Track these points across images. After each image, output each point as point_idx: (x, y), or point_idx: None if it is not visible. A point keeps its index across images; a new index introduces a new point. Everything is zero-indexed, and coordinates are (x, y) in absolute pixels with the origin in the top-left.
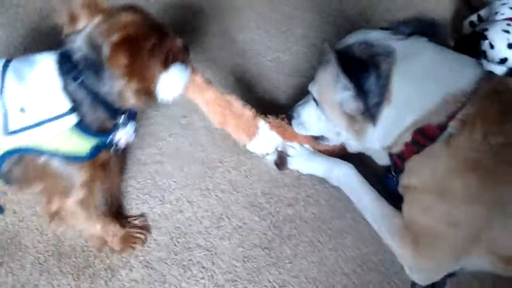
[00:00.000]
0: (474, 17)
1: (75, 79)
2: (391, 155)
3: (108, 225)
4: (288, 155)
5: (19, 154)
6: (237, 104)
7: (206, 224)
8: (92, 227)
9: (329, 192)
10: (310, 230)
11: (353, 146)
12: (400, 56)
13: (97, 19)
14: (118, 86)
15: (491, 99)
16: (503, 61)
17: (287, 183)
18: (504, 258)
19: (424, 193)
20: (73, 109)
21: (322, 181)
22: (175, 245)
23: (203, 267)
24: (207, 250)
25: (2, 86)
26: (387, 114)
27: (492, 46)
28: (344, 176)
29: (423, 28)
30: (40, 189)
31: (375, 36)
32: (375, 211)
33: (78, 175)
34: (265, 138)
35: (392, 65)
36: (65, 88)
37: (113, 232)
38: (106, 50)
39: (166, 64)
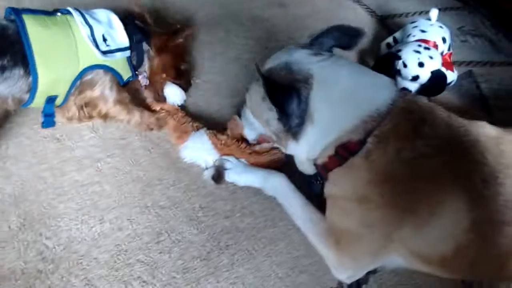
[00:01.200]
0: (390, 39)
1: (138, 37)
2: (316, 165)
3: (143, 113)
4: (225, 169)
5: (98, 68)
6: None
7: (145, 240)
8: (133, 117)
9: (263, 203)
10: (246, 239)
11: (283, 150)
12: (318, 81)
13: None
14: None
15: (403, 117)
16: (415, 78)
17: (224, 197)
18: (417, 255)
19: (344, 200)
20: (128, 47)
21: (256, 193)
22: (115, 262)
23: (144, 281)
24: (147, 264)
25: (89, 24)
26: (310, 132)
27: (405, 65)
28: (278, 185)
29: (343, 37)
30: (89, 98)
31: (297, 58)
32: (304, 217)
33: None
34: (194, 144)
35: (310, 90)
36: (128, 34)
37: (149, 116)
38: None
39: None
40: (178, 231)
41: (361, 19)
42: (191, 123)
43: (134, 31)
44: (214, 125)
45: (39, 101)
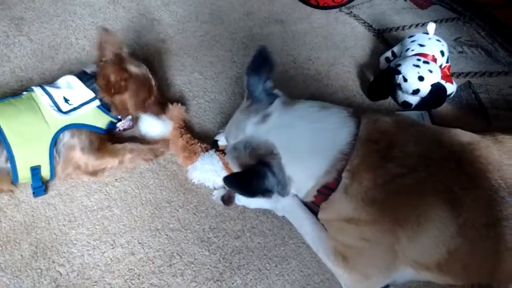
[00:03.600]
0: (388, 53)
1: (90, 81)
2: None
3: (133, 149)
4: (235, 192)
5: (69, 129)
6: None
7: (158, 263)
8: (124, 157)
9: (272, 222)
10: (257, 259)
11: None
12: (281, 147)
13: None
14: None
15: (368, 149)
16: (415, 92)
17: (233, 217)
18: (422, 264)
19: (336, 221)
20: (95, 97)
21: (265, 211)
22: (129, 287)
23: None
24: None
25: (48, 93)
26: (293, 187)
27: (405, 80)
28: (288, 205)
29: (260, 69)
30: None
31: (251, 133)
32: (314, 235)
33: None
34: (203, 165)
35: (280, 159)
36: (88, 87)
37: (141, 149)
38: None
39: (143, 110)
40: (190, 253)
41: (358, 34)
42: (199, 144)
43: (86, 79)
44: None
45: (24, 173)
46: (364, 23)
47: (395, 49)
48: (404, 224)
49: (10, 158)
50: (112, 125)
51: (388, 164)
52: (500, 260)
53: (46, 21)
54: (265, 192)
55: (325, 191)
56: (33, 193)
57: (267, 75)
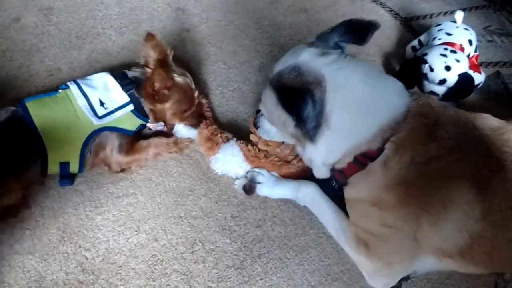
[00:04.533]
0: (415, 42)
1: (128, 87)
2: (332, 170)
3: (157, 143)
4: (256, 182)
5: (100, 131)
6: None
7: (180, 250)
8: (148, 153)
9: (293, 211)
10: (278, 248)
11: (300, 153)
12: (332, 84)
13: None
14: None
15: (418, 122)
16: (442, 82)
17: (254, 206)
18: (443, 251)
19: (361, 203)
20: (130, 101)
21: (286, 201)
22: (153, 272)
23: None
24: (184, 274)
25: (85, 94)
26: (327, 137)
27: (432, 69)
28: (309, 195)
29: (352, 32)
30: (102, 159)
31: (306, 59)
32: (335, 224)
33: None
34: (225, 155)
35: (324, 93)
36: (124, 90)
37: (165, 142)
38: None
39: (180, 119)
40: (212, 240)
41: (385, 22)
42: (220, 134)
43: (125, 83)
44: (243, 134)
45: (53, 168)
46: (391, 11)
47: (422, 38)
48: (429, 208)
49: (42, 150)
50: (142, 127)
51: (430, 144)
52: None
53: (74, 11)
54: (299, 115)
55: (362, 160)
56: (59, 181)
57: (350, 40)
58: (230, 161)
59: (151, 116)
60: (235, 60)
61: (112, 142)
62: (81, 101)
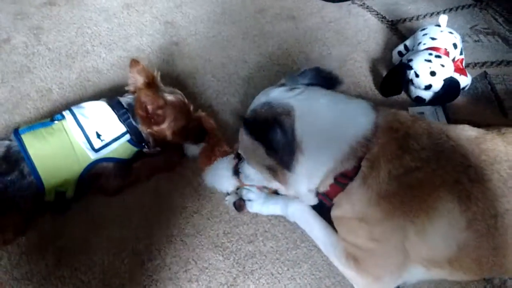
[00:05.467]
0: (401, 47)
1: (125, 116)
2: (317, 194)
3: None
4: (247, 199)
5: (96, 163)
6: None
7: (174, 270)
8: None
9: (284, 225)
10: (270, 263)
11: (285, 191)
12: (299, 112)
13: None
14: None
15: (389, 137)
16: (428, 87)
17: (246, 221)
18: (432, 261)
19: (348, 220)
20: (126, 132)
21: (277, 215)
22: None
23: None
24: None
25: (82, 127)
26: (303, 163)
27: (417, 75)
28: (298, 211)
29: (319, 78)
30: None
31: (275, 95)
32: (325, 240)
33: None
34: (217, 170)
35: (293, 121)
36: (120, 120)
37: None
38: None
39: (183, 139)
40: (204, 258)
41: (372, 26)
42: (218, 148)
43: (118, 109)
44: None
45: (50, 196)
46: (377, 14)
47: (408, 42)
48: (414, 219)
49: (41, 189)
50: (137, 153)
51: (404, 156)
52: (510, 250)
53: (63, 29)
54: (270, 148)
55: (342, 180)
56: (56, 209)
57: (318, 84)
58: (222, 175)
59: (151, 140)
60: (224, 72)
61: (108, 170)
62: (78, 134)
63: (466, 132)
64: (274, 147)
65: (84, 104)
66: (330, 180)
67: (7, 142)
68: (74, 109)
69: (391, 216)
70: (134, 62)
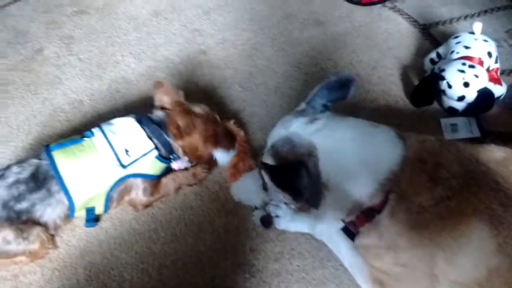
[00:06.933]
0: (433, 55)
1: (157, 132)
2: (343, 221)
3: (173, 178)
4: (275, 216)
5: (125, 178)
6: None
7: (201, 287)
8: (166, 189)
9: (310, 243)
10: (296, 282)
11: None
12: (323, 150)
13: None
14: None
15: (418, 169)
16: (461, 98)
17: (272, 238)
18: (462, 285)
19: (375, 248)
20: (155, 147)
21: (304, 232)
22: None
23: None
24: None
25: (111, 144)
26: (328, 199)
27: (450, 86)
28: (325, 230)
29: (333, 92)
30: (127, 201)
31: (296, 130)
32: (351, 261)
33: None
34: (244, 184)
35: (318, 161)
36: (148, 136)
37: (182, 176)
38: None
39: (214, 145)
40: (231, 276)
41: (403, 31)
42: (243, 162)
43: (148, 126)
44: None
45: (79, 213)
46: (409, 18)
47: (440, 50)
48: (444, 246)
49: (71, 205)
50: (166, 170)
51: (435, 188)
52: None
53: (93, 38)
54: (295, 192)
55: (370, 212)
56: (85, 224)
57: (335, 98)
58: (249, 190)
59: (184, 154)
60: (251, 82)
61: (137, 186)
62: (107, 151)
63: (494, 154)
64: (300, 193)
65: (113, 121)
66: (357, 213)
67: (36, 161)
68: (103, 126)
69: (420, 244)
70: (158, 84)
